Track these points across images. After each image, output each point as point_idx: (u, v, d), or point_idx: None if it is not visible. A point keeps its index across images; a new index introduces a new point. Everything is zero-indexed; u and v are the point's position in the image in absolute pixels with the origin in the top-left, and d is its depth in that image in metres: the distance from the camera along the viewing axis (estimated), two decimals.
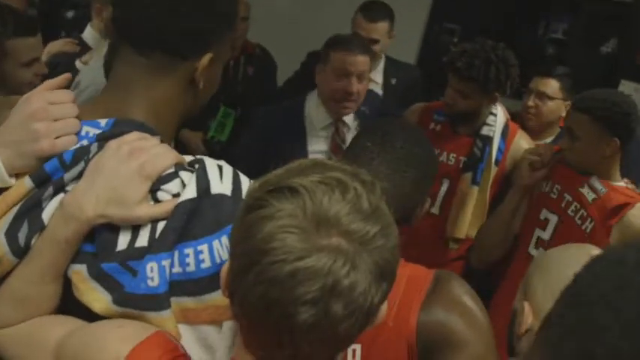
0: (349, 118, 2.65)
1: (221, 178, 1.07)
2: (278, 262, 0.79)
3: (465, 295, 1.34)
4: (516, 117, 2.96)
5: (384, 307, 0.89)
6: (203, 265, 1.01)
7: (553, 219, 2.38)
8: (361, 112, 2.68)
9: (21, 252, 1.04)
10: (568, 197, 2.34)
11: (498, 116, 2.70)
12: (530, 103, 2.96)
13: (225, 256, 1.00)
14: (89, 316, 1.02)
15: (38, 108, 1.06)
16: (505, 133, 2.71)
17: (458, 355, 1.28)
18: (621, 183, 2.33)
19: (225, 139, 3.33)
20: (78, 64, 2.81)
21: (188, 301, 1.02)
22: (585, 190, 2.30)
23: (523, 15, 4.79)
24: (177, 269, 1.01)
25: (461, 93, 2.59)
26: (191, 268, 1.01)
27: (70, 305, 1.05)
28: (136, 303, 1.00)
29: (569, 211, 2.33)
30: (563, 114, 2.95)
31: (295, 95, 2.77)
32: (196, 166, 1.08)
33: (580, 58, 4.49)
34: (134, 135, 1.06)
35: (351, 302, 0.80)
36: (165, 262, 0.99)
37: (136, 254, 1.01)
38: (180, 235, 1.01)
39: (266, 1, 4.40)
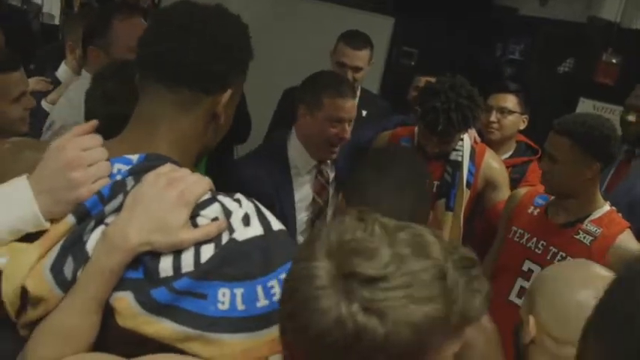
0: None
1: (271, 215, 1.15)
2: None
3: None
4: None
5: None
6: None
7: (537, 269, 2.38)
8: None
9: (69, 285, 1.07)
10: (554, 249, 2.38)
11: (465, 140, 2.77)
12: (493, 118, 3.17)
13: None
14: (126, 344, 1.06)
15: (74, 156, 1.11)
16: (473, 156, 2.79)
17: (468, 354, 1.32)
18: (606, 207, 2.38)
19: None
20: (44, 103, 2.77)
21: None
22: (581, 236, 2.34)
23: (479, 37, 4.90)
24: (263, 302, 1.06)
25: (440, 142, 2.66)
26: (277, 297, 1.05)
27: (107, 336, 1.08)
28: (200, 324, 1.04)
29: (555, 262, 2.33)
30: (522, 127, 3.24)
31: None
32: (243, 199, 1.15)
33: (538, 77, 4.61)
34: (168, 167, 1.13)
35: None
36: (238, 291, 1.05)
37: (182, 277, 1.05)
38: (257, 269, 1.07)
39: None
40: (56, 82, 2.97)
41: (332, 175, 2.64)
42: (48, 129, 2.37)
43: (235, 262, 1.07)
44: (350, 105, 2.50)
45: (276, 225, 1.14)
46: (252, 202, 1.15)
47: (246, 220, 1.11)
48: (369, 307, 0.81)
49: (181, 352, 1.05)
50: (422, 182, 1.63)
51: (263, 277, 1.07)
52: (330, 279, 0.83)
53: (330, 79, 2.59)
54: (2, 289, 1.06)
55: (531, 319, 1.39)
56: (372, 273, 0.82)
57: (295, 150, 2.56)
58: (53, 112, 2.46)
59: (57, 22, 5.55)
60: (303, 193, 2.56)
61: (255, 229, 1.10)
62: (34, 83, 2.94)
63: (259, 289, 1.06)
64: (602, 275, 1.42)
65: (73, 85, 2.53)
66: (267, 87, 3.56)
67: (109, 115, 1.30)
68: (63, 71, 3.07)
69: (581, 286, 1.38)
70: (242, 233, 1.09)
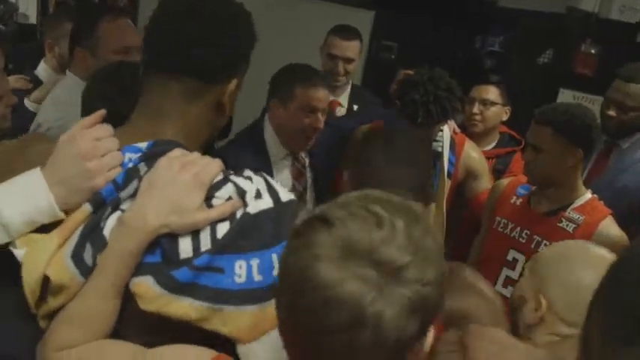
0: None
1: (280, 187, 1.19)
2: (308, 291, 0.83)
3: (478, 281, 1.45)
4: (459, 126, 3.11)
5: (428, 338, 0.94)
6: None
7: (522, 258, 2.42)
8: None
9: (90, 272, 1.09)
10: (538, 238, 2.40)
11: (444, 131, 2.79)
12: (476, 110, 3.19)
13: None
14: (143, 332, 1.10)
15: (88, 147, 1.13)
16: (452, 146, 2.82)
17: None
18: (588, 194, 2.41)
19: None
20: (27, 102, 2.75)
21: None
22: (564, 224, 2.36)
23: (459, 30, 4.91)
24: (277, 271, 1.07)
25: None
26: None
27: (123, 324, 1.12)
28: (219, 298, 1.07)
29: (539, 250, 2.35)
30: (504, 118, 3.26)
31: None
32: (253, 175, 1.19)
33: (518, 69, 4.63)
34: (178, 151, 1.15)
35: (376, 332, 0.82)
36: (253, 262, 1.09)
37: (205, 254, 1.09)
38: (270, 238, 1.11)
39: None
40: (35, 81, 2.95)
41: (307, 161, 2.66)
42: (35, 131, 2.34)
43: (249, 234, 1.10)
44: (322, 94, 2.51)
45: (285, 196, 1.17)
46: (262, 175, 1.20)
47: (258, 195, 1.14)
48: (422, 282, 0.85)
49: (200, 336, 1.06)
50: (425, 153, 1.85)
51: (276, 246, 1.10)
52: (377, 286, 0.83)
53: (301, 70, 2.60)
54: (23, 279, 1.08)
55: (543, 301, 1.43)
56: (405, 259, 0.84)
57: (270, 136, 2.58)
58: (39, 115, 2.45)
59: (33, 21, 5.52)
60: (282, 179, 2.56)
61: (266, 202, 1.14)
62: (14, 81, 2.91)
63: (274, 258, 1.09)
64: (609, 258, 1.44)
65: (58, 84, 2.52)
66: (251, 83, 3.54)
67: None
68: (42, 69, 3.05)
69: (592, 267, 1.40)
70: (254, 206, 1.13)
